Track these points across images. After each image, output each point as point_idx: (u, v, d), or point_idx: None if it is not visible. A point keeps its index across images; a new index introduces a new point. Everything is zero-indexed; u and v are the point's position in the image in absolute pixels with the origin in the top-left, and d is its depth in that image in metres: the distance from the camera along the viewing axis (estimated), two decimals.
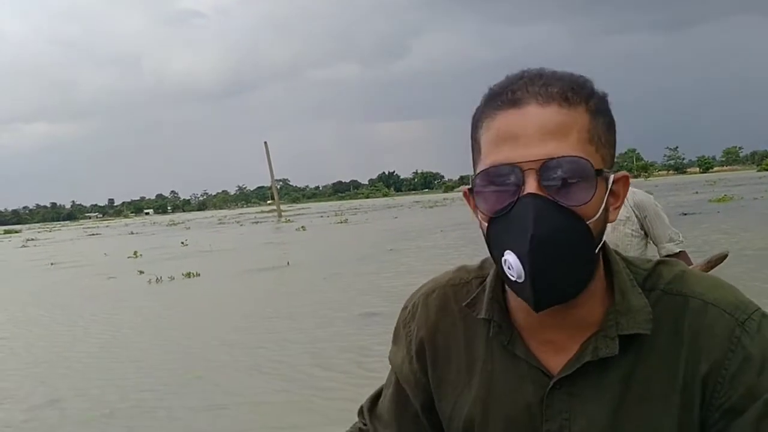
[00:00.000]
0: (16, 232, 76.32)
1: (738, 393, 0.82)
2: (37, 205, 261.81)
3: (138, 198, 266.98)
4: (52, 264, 20.47)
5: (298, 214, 56.04)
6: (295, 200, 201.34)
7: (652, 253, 3.09)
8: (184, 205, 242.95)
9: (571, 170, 0.80)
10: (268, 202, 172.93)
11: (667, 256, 3.08)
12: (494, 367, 0.94)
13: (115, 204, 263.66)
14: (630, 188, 3.01)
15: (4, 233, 70.38)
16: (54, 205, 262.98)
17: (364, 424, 1.15)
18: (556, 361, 0.90)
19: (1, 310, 11.10)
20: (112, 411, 5.05)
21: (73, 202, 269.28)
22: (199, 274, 13.69)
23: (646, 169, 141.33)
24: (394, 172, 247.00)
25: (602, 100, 0.86)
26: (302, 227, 30.80)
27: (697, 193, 36.81)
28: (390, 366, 1.10)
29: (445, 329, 1.00)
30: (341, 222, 35.10)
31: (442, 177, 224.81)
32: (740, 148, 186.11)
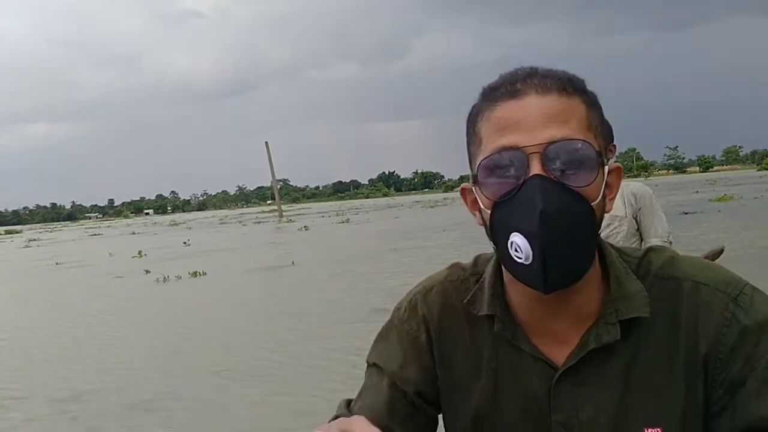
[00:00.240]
0: (17, 232, 76.46)
1: (737, 365, 0.84)
2: (37, 206, 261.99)
3: (138, 198, 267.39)
4: (57, 264, 20.62)
5: (299, 214, 56.18)
6: (295, 200, 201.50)
7: None
8: (184, 206, 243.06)
9: (574, 152, 0.83)
10: (268, 202, 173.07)
11: None
12: (500, 361, 0.96)
13: (115, 204, 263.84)
14: (624, 183, 3.12)
15: (5, 234, 70.51)
16: (54, 205, 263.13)
17: None
18: (559, 353, 0.92)
19: (15, 309, 11.26)
20: (132, 404, 5.20)
21: (73, 202, 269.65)
22: (205, 273, 13.83)
23: (646, 169, 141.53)
24: (394, 171, 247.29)
25: (594, 96, 0.89)
26: (304, 227, 30.95)
27: (697, 192, 36.91)
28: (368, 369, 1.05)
29: (450, 324, 1.01)
30: (343, 222, 35.24)
31: (443, 177, 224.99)
32: (740, 147, 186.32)
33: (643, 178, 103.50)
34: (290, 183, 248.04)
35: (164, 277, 13.59)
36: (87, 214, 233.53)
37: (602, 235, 1.47)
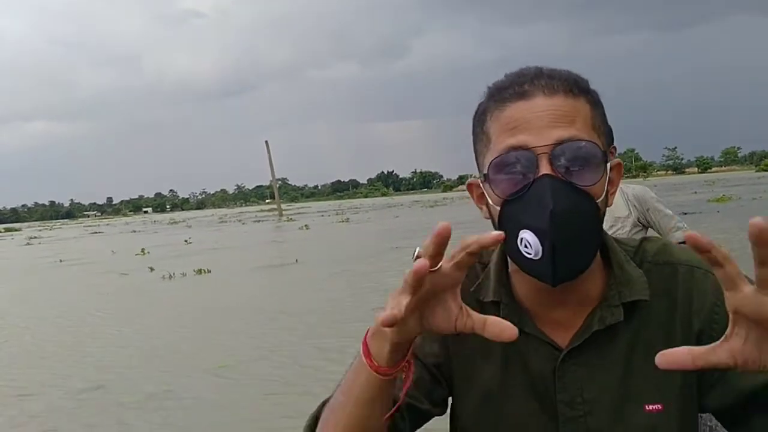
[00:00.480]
0: (17, 230, 76.54)
1: None
2: (36, 203, 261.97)
3: (136, 196, 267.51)
4: (60, 261, 20.71)
5: (299, 213, 56.24)
6: (294, 199, 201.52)
7: None
8: (182, 204, 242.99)
9: (580, 152, 0.87)
10: (267, 201, 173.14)
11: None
12: (506, 346, 0.97)
13: (113, 202, 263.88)
14: (625, 184, 3.23)
15: (5, 231, 70.55)
16: (53, 203, 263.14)
17: None
18: (563, 336, 0.97)
19: (22, 306, 11.38)
20: (148, 396, 5.33)
21: (71, 200, 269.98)
22: (210, 271, 13.95)
23: (645, 169, 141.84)
24: (393, 171, 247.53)
25: (597, 95, 0.94)
26: (305, 226, 31.04)
27: (695, 193, 36.97)
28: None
29: None
30: (343, 221, 35.32)
31: (441, 176, 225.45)
32: (739, 148, 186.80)
33: (641, 179, 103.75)
34: (289, 182, 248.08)
35: (170, 275, 13.70)
36: (85, 212, 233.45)
37: None
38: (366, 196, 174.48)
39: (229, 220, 52.36)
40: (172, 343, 7.26)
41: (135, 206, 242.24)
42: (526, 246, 0.87)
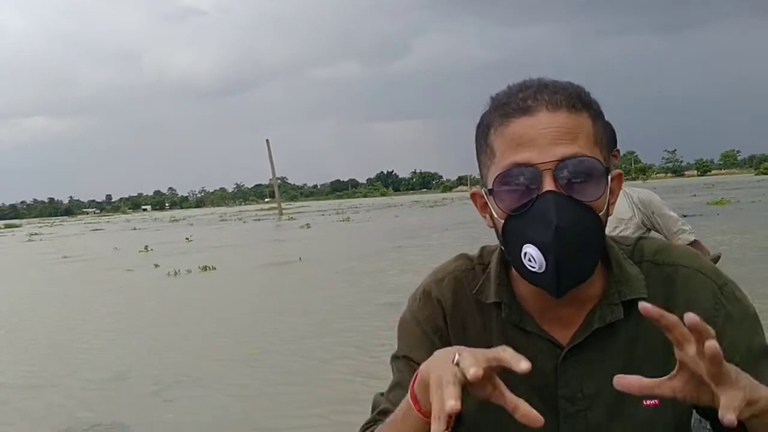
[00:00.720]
0: (17, 226, 76.58)
1: (723, 346, 0.92)
2: (35, 200, 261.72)
3: (135, 194, 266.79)
4: (64, 257, 20.79)
5: (299, 212, 56.31)
6: (293, 198, 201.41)
7: None
8: (181, 202, 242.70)
9: (583, 168, 0.90)
10: (266, 200, 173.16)
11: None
12: (508, 343, 0.98)
13: (112, 200, 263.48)
14: (630, 187, 3.33)
15: (5, 227, 70.58)
16: (52, 200, 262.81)
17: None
18: (564, 334, 1.00)
19: (38, 300, 11.50)
20: (162, 388, 5.45)
21: (70, 197, 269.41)
22: (215, 268, 14.06)
23: (644, 172, 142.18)
24: (392, 171, 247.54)
25: (598, 106, 0.97)
26: (306, 225, 31.15)
27: (695, 195, 37.03)
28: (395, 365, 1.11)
29: (461, 311, 1.07)
30: (344, 220, 35.42)
31: (441, 177, 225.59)
32: (738, 151, 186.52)
33: (641, 181, 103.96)
34: (288, 181, 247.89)
35: (175, 272, 13.82)
36: (84, 210, 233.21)
37: None
38: (365, 196, 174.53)
39: (230, 219, 52.44)
40: (185, 336, 7.40)
41: (134, 204, 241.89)
42: (529, 260, 0.90)
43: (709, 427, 1.05)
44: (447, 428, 0.79)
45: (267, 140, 58.66)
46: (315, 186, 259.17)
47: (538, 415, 0.79)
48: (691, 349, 0.75)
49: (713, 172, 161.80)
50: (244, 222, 43.60)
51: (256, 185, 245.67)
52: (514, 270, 1.01)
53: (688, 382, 0.79)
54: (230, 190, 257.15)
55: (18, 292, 12.86)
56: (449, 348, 0.86)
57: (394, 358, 1.11)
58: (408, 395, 0.90)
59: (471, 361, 0.79)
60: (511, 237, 0.93)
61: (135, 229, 44.82)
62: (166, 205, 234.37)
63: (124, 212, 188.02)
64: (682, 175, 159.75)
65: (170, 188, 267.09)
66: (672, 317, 0.75)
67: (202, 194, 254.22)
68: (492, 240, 1.01)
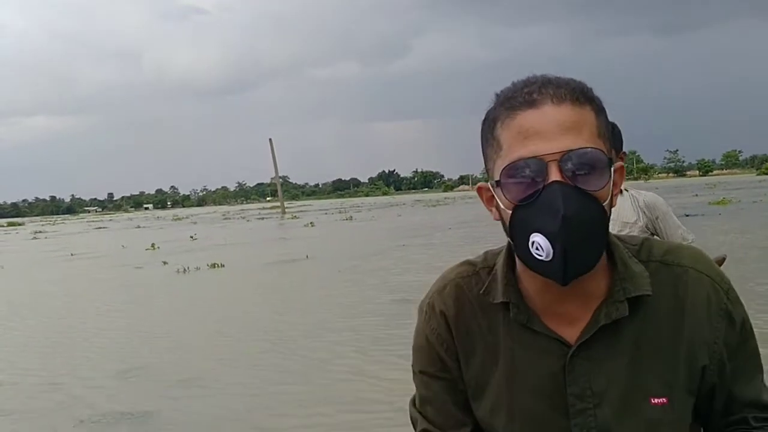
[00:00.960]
0: (20, 224, 76.89)
1: (727, 351, 1.02)
2: (37, 199, 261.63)
3: (137, 193, 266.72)
4: (72, 255, 20.95)
5: (301, 211, 56.35)
6: (295, 197, 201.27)
7: None
8: (183, 201, 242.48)
9: (587, 159, 0.92)
10: (268, 198, 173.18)
11: None
12: (516, 343, 1.05)
13: (114, 198, 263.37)
14: (636, 190, 3.46)
15: (8, 225, 70.80)
16: (53, 198, 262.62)
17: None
18: (571, 332, 1.02)
19: (51, 297, 11.66)
20: (175, 382, 5.60)
21: (72, 195, 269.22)
22: (223, 266, 14.22)
23: (646, 172, 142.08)
24: (394, 170, 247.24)
25: (600, 102, 0.99)
26: (310, 223, 31.31)
27: (696, 195, 37.01)
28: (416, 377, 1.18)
29: (466, 318, 1.10)
30: (346, 219, 35.51)
31: (442, 176, 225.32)
32: (740, 151, 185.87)
33: (642, 181, 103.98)
34: (290, 180, 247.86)
35: (184, 269, 13.98)
36: (86, 208, 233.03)
37: None
38: (367, 195, 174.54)
39: (233, 217, 52.53)
40: (200, 332, 7.56)
41: (136, 202, 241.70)
42: (537, 249, 0.93)
43: None
44: None
45: (270, 139, 58.86)
46: (317, 185, 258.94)
47: None
48: None
49: (715, 172, 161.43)
50: (248, 220, 43.71)
51: (258, 184, 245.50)
52: (519, 270, 1.05)
53: None
54: (232, 189, 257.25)
55: (27, 291, 12.98)
56: None
57: (413, 372, 1.18)
58: None
59: None
60: (518, 227, 0.96)
61: (139, 227, 44.94)
62: (168, 203, 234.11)
63: (126, 210, 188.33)
64: (684, 175, 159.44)
65: (172, 187, 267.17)
66: None
67: (204, 193, 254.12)
68: (494, 239, 1.16)
